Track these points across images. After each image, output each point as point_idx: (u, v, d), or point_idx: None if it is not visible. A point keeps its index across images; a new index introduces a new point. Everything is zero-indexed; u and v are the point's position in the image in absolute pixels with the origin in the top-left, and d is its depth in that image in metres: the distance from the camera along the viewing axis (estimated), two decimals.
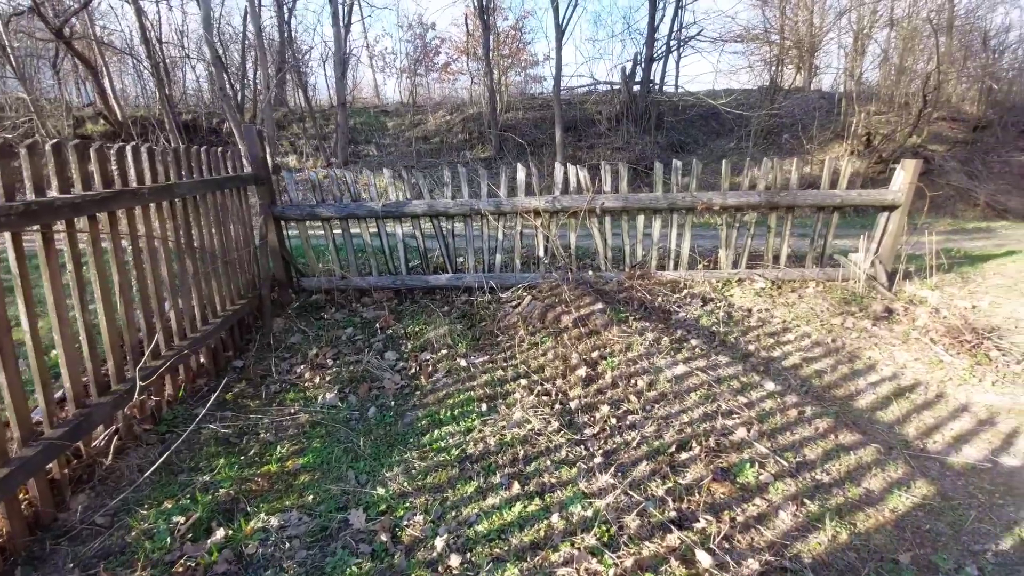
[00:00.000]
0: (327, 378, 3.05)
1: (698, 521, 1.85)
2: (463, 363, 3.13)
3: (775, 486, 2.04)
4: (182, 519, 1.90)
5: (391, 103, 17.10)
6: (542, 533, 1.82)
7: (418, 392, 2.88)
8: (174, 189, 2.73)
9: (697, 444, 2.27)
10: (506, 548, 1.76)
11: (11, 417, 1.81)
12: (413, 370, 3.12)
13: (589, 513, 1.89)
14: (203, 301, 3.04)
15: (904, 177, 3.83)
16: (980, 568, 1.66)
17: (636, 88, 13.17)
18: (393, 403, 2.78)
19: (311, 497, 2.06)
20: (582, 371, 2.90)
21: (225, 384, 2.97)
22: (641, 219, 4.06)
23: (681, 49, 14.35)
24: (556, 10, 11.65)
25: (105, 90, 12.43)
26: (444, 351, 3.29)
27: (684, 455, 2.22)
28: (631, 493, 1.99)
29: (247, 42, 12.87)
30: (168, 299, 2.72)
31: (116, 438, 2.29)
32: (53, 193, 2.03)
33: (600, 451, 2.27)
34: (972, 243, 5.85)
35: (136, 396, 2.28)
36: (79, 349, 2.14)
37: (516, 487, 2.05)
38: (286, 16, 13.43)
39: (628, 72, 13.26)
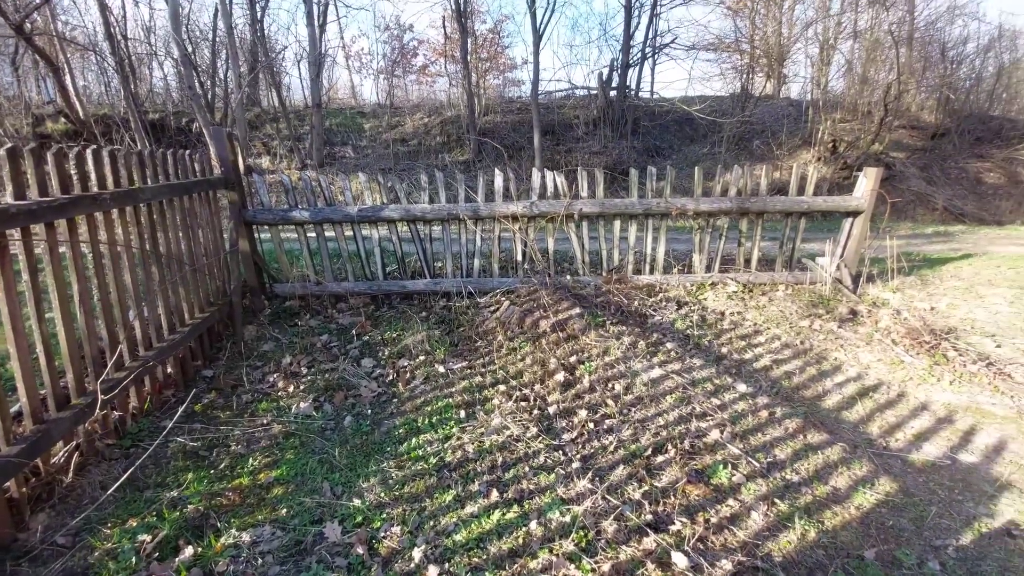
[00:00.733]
0: (301, 387, 2.99)
1: (674, 523, 1.88)
2: (441, 369, 3.11)
3: (747, 487, 2.08)
4: (148, 537, 1.84)
5: (368, 104, 16.90)
6: (520, 540, 1.82)
7: (396, 400, 2.85)
8: (138, 194, 2.64)
9: (672, 447, 2.31)
10: (484, 557, 1.76)
11: None
12: (391, 377, 3.08)
13: (567, 519, 1.90)
14: (170, 309, 2.95)
15: (867, 184, 3.98)
16: (942, 563, 1.74)
17: (613, 93, 13.37)
18: (370, 411, 2.74)
19: (284, 510, 2.02)
20: (560, 376, 2.91)
21: (194, 395, 2.88)
22: (618, 224, 4.12)
23: (656, 56, 14.64)
24: (534, 15, 11.73)
25: (67, 88, 11.93)
26: (422, 357, 3.26)
27: (660, 458, 2.25)
28: (608, 497, 2.00)
29: (217, 40, 12.54)
30: (133, 308, 2.63)
31: (77, 454, 2.19)
32: (8, 199, 1.94)
33: (578, 456, 2.28)
34: (931, 247, 6.13)
35: (98, 410, 2.19)
36: (36, 361, 2.05)
37: (495, 494, 2.05)
38: (258, 14, 13.12)
39: (605, 77, 13.45)
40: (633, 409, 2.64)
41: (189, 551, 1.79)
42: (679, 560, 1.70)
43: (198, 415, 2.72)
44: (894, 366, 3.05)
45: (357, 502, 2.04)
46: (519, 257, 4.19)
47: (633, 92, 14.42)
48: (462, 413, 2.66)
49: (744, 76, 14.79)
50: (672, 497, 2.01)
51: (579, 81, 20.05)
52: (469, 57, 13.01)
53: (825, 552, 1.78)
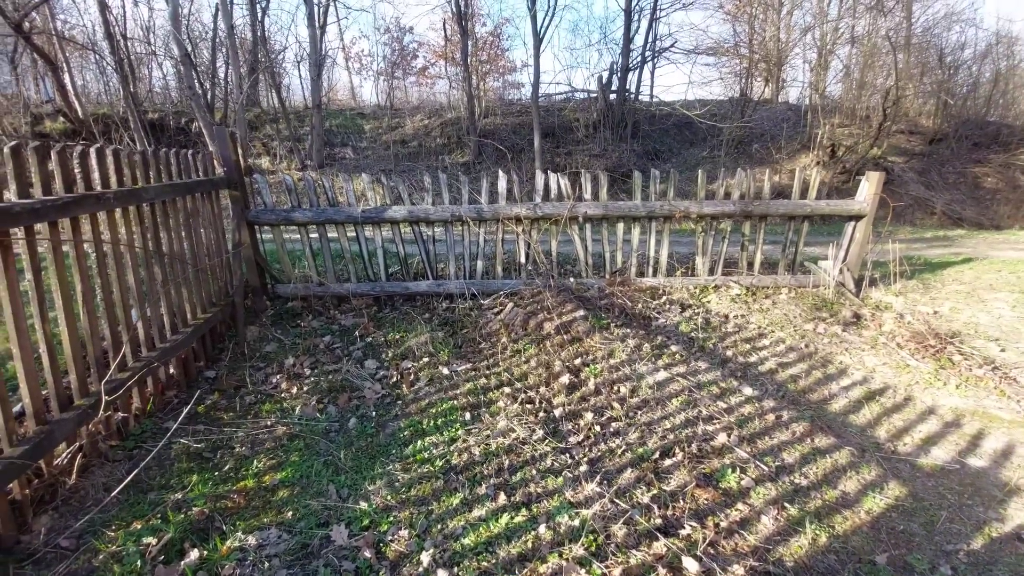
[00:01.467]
0: (305, 388, 2.97)
1: (683, 528, 1.87)
2: (445, 371, 3.09)
3: (756, 491, 2.07)
4: (153, 540, 1.81)
5: (368, 105, 16.90)
6: (529, 544, 1.80)
7: (400, 401, 2.83)
8: (141, 193, 2.62)
9: (680, 450, 2.30)
10: (493, 561, 1.74)
11: None
12: (394, 379, 3.06)
13: (576, 523, 1.88)
14: (173, 309, 2.92)
15: (869, 188, 3.99)
16: (953, 568, 1.73)
17: (613, 96, 13.40)
18: (374, 413, 2.72)
19: (290, 513, 1.99)
20: (565, 378, 2.90)
21: (197, 396, 2.85)
22: (621, 226, 4.12)
23: (656, 60, 14.68)
24: (534, 19, 11.75)
25: (65, 87, 11.89)
26: (426, 359, 3.25)
27: (668, 461, 2.24)
28: (617, 501, 1.99)
29: (218, 40, 12.52)
30: (135, 308, 2.61)
31: (80, 455, 2.17)
32: (11, 198, 1.92)
33: (585, 459, 2.27)
34: (932, 251, 6.14)
35: (101, 411, 2.17)
36: (39, 361, 2.02)
37: (502, 498, 2.03)
38: (259, 15, 13.12)
39: (605, 81, 13.47)
40: (639, 412, 2.63)
41: (195, 554, 1.77)
42: (690, 565, 1.68)
43: (201, 416, 2.69)
44: (900, 370, 3.04)
45: (363, 505, 2.02)
46: (522, 259, 4.18)
47: (633, 95, 14.45)
48: (467, 415, 2.64)
49: (743, 80, 14.86)
50: (681, 501, 2.00)
51: (579, 84, 20.10)
52: (469, 59, 13.03)
53: (837, 557, 1.77)
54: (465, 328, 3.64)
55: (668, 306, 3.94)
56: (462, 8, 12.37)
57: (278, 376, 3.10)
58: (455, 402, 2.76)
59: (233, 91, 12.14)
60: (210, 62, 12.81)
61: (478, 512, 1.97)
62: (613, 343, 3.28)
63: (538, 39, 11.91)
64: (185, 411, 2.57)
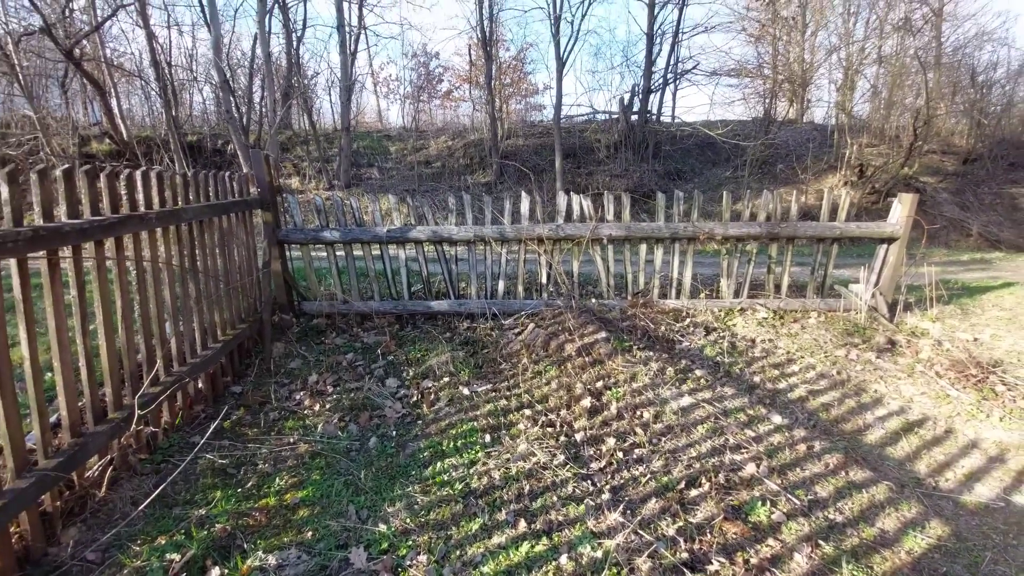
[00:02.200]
0: (327, 406, 3.00)
1: (711, 563, 1.80)
2: (466, 391, 3.08)
3: (788, 525, 1.99)
4: (177, 556, 1.83)
5: (394, 127, 17.39)
6: (551, 575, 1.76)
7: (420, 421, 2.83)
8: (181, 214, 2.73)
9: (707, 480, 2.23)
10: None
11: (6, 446, 1.76)
12: (415, 398, 3.07)
13: (599, 554, 1.83)
14: (204, 325, 3.01)
15: (902, 210, 3.89)
16: None
17: (634, 118, 13.48)
18: (394, 433, 2.73)
19: (310, 533, 2.00)
20: (587, 402, 2.86)
21: (224, 412, 2.90)
22: (643, 247, 4.09)
23: (678, 82, 14.77)
24: (557, 44, 12.00)
25: (112, 110, 12.59)
26: (446, 379, 3.25)
27: (694, 492, 2.17)
28: (641, 532, 1.93)
29: (255, 66, 13.13)
30: (169, 323, 2.69)
31: (111, 468, 2.23)
32: (62, 217, 2.03)
33: (607, 487, 2.21)
34: (968, 274, 5.91)
35: (134, 425, 2.23)
36: (77, 374, 2.10)
37: (522, 525, 1.99)
38: (295, 43, 13.76)
39: (626, 102, 13.58)
40: (663, 439, 2.56)
41: (216, 572, 1.78)
42: None
43: (226, 431, 2.74)
44: (939, 400, 2.91)
45: (383, 527, 2.01)
46: (544, 279, 4.18)
47: (654, 116, 14.51)
48: (487, 437, 2.62)
49: (767, 101, 14.78)
50: (708, 534, 1.93)
51: (600, 106, 20.33)
52: (493, 83, 13.33)
53: None
54: (486, 348, 3.64)
55: (692, 329, 3.87)
56: (487, 34, 12.72)
57: (302, 393, 3.14)
58: (475, 423, 2.75)
59: (268, 115, 12.67)
60: (247, 87, 13.43)
61: (498, 539, 1.93)
62: (636, 366, 3.23)
63: (561, 63, 12.13)
64: (212, 427, 2.62)
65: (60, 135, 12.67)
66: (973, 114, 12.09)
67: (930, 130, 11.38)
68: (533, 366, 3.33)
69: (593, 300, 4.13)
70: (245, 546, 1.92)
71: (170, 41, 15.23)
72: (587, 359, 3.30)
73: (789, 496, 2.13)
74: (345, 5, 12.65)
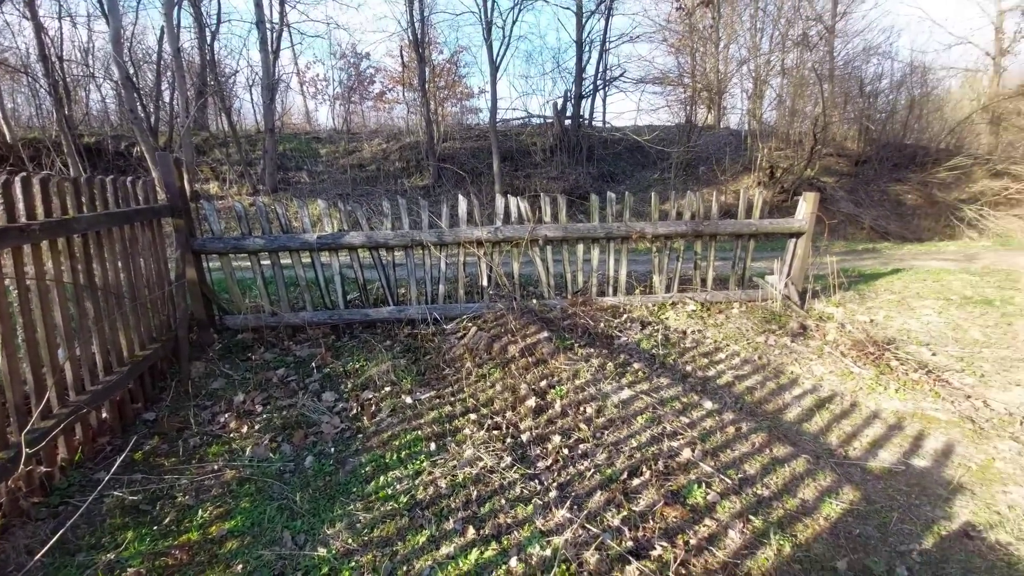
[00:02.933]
0: (256, 427, 2.79)
1: (654, 548, 1.86)
2: (408, 400, 3.00)
3: (722, 505, 2.10)
4: None
5: (324, 130, 16.66)
6: None
7: (361, 435, 2.71)
8: (72, 224, 2.43)
9: (647, 468, 2.31)
10: None
11: None
12: (354, 411, 2.94)
13: (548, 552, 1.83)
14: (107, 347, 2.70)
15: (807, 207, 4.27)
16: (909, 568, 1.80)
17: (568, 122, 13.85)
18: (333, 449, 2.59)
19: (240, 566, 1.84)
20: (532, 402, 2.87)
21: (134, 442, 2.62)
22: (580, 247, 4.19)
23: (607, 88, 15.35)
24: (490, 47, 12.07)
25: None
26: (388, 388, 3.14)
27: (636, 481, 2.24)
28: (588, 526, 1.96)
29: (163, 63, 12.07)
30: (63, 347, 2.39)
31: None
32: None
33: (555, 484, 2.23)
34: (863, 263, 6.61)
35: (22, 466, 1.95)
36: None
37: (471, 532, 1.96)
38: (208, 39, 12.79)
39: (560, 107, 13.93)
40: (606, 432, 2.63)
41: None
42: None
43: (138, 464, 2.47)
44: (845, 377, 3.21)
45: (322, 551, 1.89)
46: (484, 282, 4.17)
47: (587, 121, 14.99)
48: (432, 446, 2.55)
49: (688, 107, 15.74)
50: (651, 521, 1.99)
51: (535, 110, 20.70)
52: (427, 85, 13.16)
53: (801, 566, 1.81)
54: (428, 354, 3.56)
55: (629, 324, 4.01)
56: (419, 36, 12.54)
57: (226, 415, 2.90)
58: (419, 432, 2.67)
59: (179, 115, 11.68)
60: (154, 85, 12.31)
61: (446, 549, 1.88)
62: (578, 363, 3.30)
63: (494, 67, 12.21)
64: (119, 460, 2.35)
65: None
66: (862, 121, 13.58)
67: (827, 135, 12.65)
68: (477, 370, 3.30)
69: (534, 300, 4.17)
70: None
71: (62, 34, 13.64)
72: (530, 359, 3.32)
73: (722, 476, 2.26)
74: (265, 1, 11.97)
